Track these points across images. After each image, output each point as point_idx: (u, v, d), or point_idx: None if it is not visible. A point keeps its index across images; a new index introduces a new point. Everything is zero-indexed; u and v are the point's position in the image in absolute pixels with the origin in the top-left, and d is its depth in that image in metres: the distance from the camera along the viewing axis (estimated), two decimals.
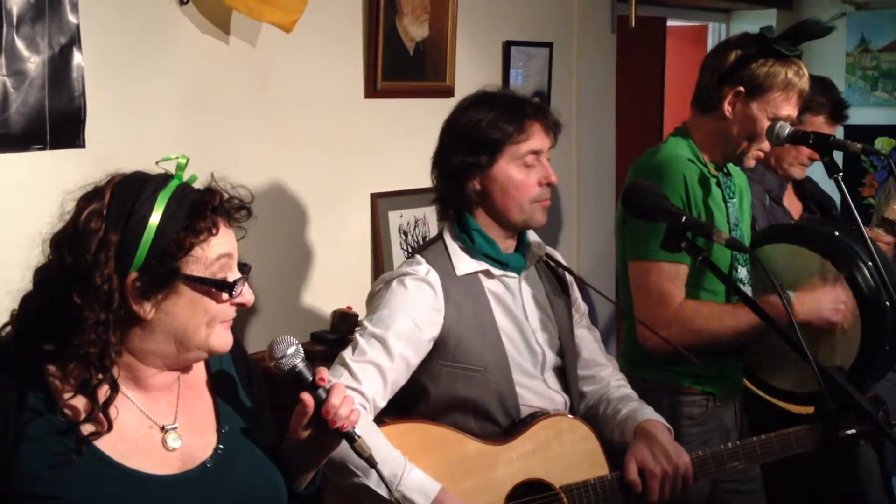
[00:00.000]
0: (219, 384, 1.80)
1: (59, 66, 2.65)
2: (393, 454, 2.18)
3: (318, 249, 3.45)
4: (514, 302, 2.44)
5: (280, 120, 3.30)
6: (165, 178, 1.64)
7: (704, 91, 2.79)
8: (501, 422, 2.37)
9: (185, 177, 1.67)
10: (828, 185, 3.16)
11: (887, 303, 2.69)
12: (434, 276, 2.34)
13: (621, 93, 4.88)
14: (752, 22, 5.51)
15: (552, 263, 2.58)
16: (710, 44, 5.86)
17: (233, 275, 1.66)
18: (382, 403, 2.27)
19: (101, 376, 1.58)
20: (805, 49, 2.77)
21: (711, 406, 2.79)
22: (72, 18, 2.67)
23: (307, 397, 1.69)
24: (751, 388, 3.00)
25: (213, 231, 1.62)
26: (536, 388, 2.42)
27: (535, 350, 2.44)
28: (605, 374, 2.60)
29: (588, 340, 2.61)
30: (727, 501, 2.80)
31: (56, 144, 2.67)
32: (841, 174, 2.57)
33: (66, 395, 1.58)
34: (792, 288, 2.74)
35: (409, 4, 3.61)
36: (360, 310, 2.58)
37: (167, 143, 2.92)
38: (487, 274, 2.41)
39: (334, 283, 3.49)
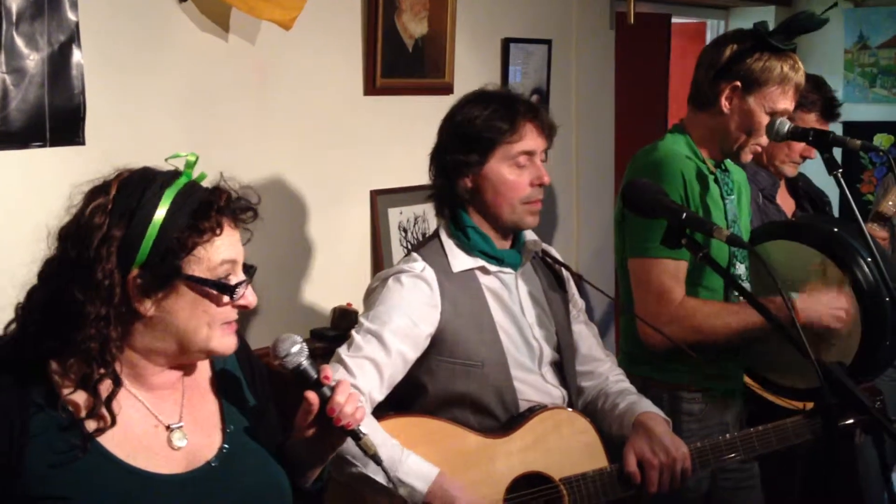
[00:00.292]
0: (223, 383, 1.80)
1: (59, 63, 2.66)
2: (390, 442, 2.19)
3: (317, 246, 3.46)
4: (510, 298, 2.45)
5: (279, 117, 3.30)
6: (173, 176, 1.64)
7: (701, 87, 2.79)
8: (500, 416, 2.38)
9: (195, 174, 1.67)
10: (826, 182, 3.16)
11: (887, 298, 2.69)
12: (430, 273, 2.35)
13: (626, 90, 4.88)
14: (750, 18, 5.51)
15: (549, 260, 2.59)
16: (709, 40, 5.86)
17: (236, 278, 1.65)
18: (379, 398, 2.27)
19: (101, 371, 1.58)
20: (803, 45, 2.78)
21: (711, 402, 2.79)
22: (71, 16, 2.67)
23: (312, 396, 1.69)
24: (751, 384, 3.01)
25: (217, 232, 1.61)
26: (534, 382, 2.43)
27: (533, 345, 2.45)
28: (603, 369, 2.61)
29: (586, 336, 2.61)
30: (726, 499, 2.81)
31: (56, 142, 2.68)
32: (840, 171, 2.57)
33: (68, 391, 1.58)
34: (792, 284, 2.74)
35: (408, 1, 3.62)
36: (360, 306, 2.58)
37: (167, 139, 2.93)
38: (483, 270, 2.42)
39: (334, 280, 3.50)
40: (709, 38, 5.89)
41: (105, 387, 1.59)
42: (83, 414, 1.57)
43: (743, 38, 2.75)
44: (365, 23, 3.53)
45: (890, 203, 3.43)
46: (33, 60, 2.60)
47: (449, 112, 2.45)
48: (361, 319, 2.33)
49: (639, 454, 2.35)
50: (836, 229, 2.82)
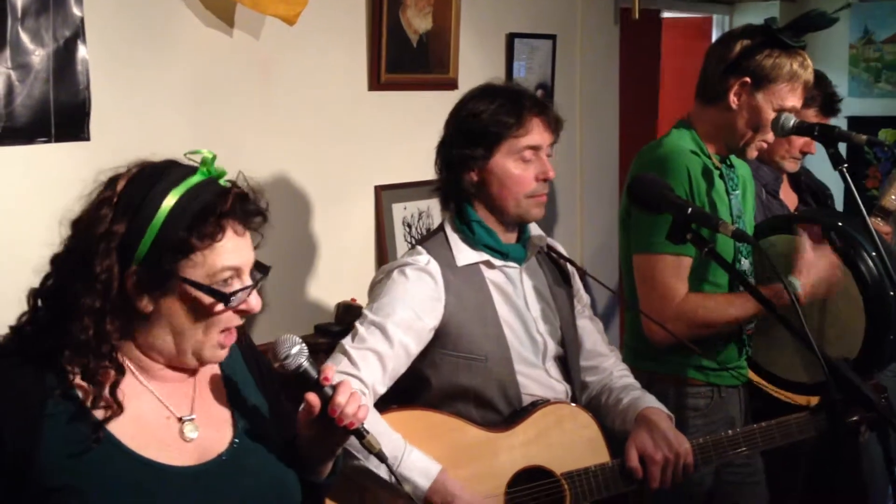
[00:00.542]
0: (232, 379, 1.81)
1: (64, 59, 2.66)
2: (393, 436, 2.20)
3: (322, 242, 3.46)
4: (515, 292, 2.45)
5: (284, 112, 3.30)
6: (185, 174, 1.62)
7: (709, 82, 2.79)
8: (503, 410, 2.38)
9: (218, 171, 1.66)
10: (830, 177, 3.16)
11: (891, 292, 2.69)
12: (434, 266, 2.35)
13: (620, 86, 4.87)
14: (755, 13, 5.50)
15: (554, 255, 2.59)
16: (714, 36, 5.85)
17: (240, 283, 1.64)
18: (382, 390, 2.28)
19: (97, 363, 1.58)
20: (808, 40, 2.77)
21: (717, 397, 2.80)
22: (76, 11, 2.67)
23: (313, 397, 1.69)
24: (755, 380, 3.01)
25: (218, 237, 1.60)
26: (538, 377, 2.43)
27: (537, 339, 2.46)
28: (607, 364, 2.61)
29: (590, 331, 2.62)
30: (730, 494, 2.81)
31: (61, 137, 2.68)
32: (846, 165, 2.57)
33: (77, 380, 1.59)
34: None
35: None
36: (365, 302, 2.59)
37: (171, 135, 2.93)
38: (488, 264, 2.43)
39: (338, 276, 3.50)
40: (715, 34, 5.87)
41: (107, 376, 1.59)
42: (91, 403, 1.58)
43: (753, 34, 2.75)
44: (369, 18, 3.53)
45: (893, 197, 3.43)
46: (38, 56, 2.61)
47: (455, 106, 2.46)
48: (365, 311, 2.33)
49: (641, 449, 2.36)
50: (840, 224, 2.82)
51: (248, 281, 1.65)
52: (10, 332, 1.65)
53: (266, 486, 1.72)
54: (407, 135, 3.66)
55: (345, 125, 3.50)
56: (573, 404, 2.47)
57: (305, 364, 1.71)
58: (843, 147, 2.70)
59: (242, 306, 1.65)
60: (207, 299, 1.61)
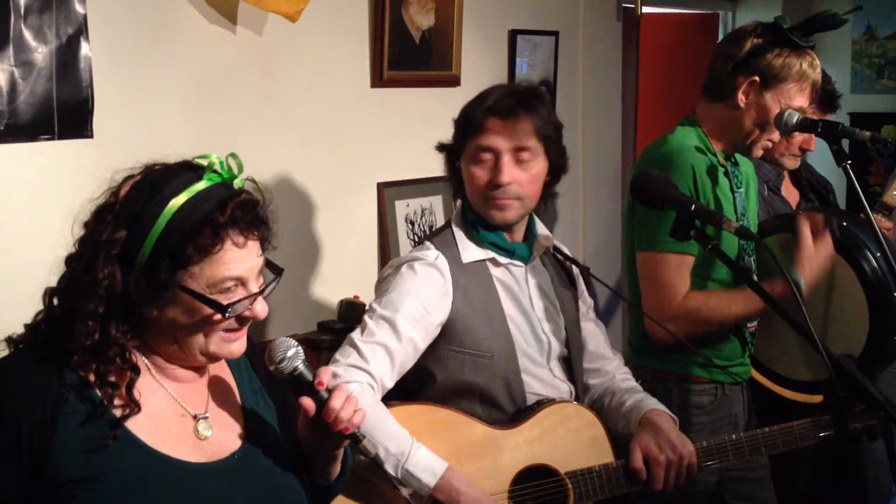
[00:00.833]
0: (242, 383, 1.82)
1: (67, 56, 2.66)
2: (400, 432, 2.20)
3: (324, 239, 3.46)
4: (520, 290, 2.45)
5: (286, 109, 3.30)
6: (189, 180, 1.62)
7: (717, 79, 2.78)
8: (507, 408, 2.38)
9: (236, 173, 1.65)
10: (834, 173, 3.16)
11: (895, 292, 2.69)
12: (443, 262, 2.36)
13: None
14: (759, 10, 5.49)
15: (559, 256, 2.59)
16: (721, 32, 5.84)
17: (244, 291, 1.63)
18: (390, 384, 2.28)
19: (107, 366, 1.59)
20: None
21: (720, 395, 2.80)
22: (79, 9, 2.67)
23: (308, 402, 1.69)
24: (759, 378, 3.00)
25: (213, 250, 1.59)
26: (542, 376, 2.43)
27: (542, 339, 2.45)
28: (610, 367, 2.61)
29: (594, 334, 2.62)
30: (734, 489, 2.81)
31: (64, 135, 2.68)
32: (849, 162, 2.57)
33: (92, 379, 1.60)
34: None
35: None
36: (368, 299, 2.59)
37: (174, 132, 2.93)
38: (494, 262, 2.42)
39: (341, 273, 3.50)
40: (721, 31, 5.86)
41: (122, 376, 1.60)
42: (106, 402, 1.59)
43: (763, 32, 2.74)
44: (372, 15, 3.53)
45: (894, 193, 3.43)
46: (41, 53, 2.60)
47: None
48: (374, 305, 2.33)
49: (645, 450, 2.35)
50: (844, 223, 2.81)
51: (253, 288, 1.65)
52: (25, 330, 1.66)
53: (275, 487, 1.73)
54: (409, 132, 3.66)
55: (347, 122, 3.50)
56: (578, 404, 2.46)
57: (301, 367, 1.71)
58: (845, 143, 2.70)
59: (246, 313, 1.65)
60: (206, 309, 1.61)
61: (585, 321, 2.60)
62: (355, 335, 2.29)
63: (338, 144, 3.48)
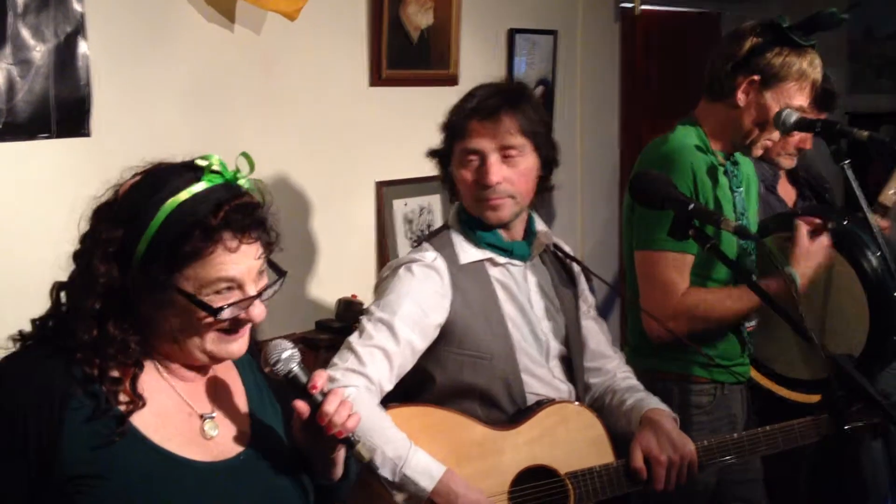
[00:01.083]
0: (248, 384, 1.81)
1: (65, 54, 2.65)
2: (398, 436, 2.19)
3: (323, 238, 3.46)
4: (518, 290, 2.44)
5: (285, 108, 3.30)
6: (188, 182, 1.61)
7: (717, 79, 2.77)
8: (507, 408, 2.37)
9: (242, 172, 1.65)
10: (834, 172, 3.16)
11: (895, 292, 2.69)
12: (441, 263, 2.35)
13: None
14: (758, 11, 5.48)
15: (560, 254, 2.58)
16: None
17: (240, 294, 1.62)
18: (389, 387, 2.28)
19: (108, 363, 1.60)
20: None
21: (720, 394, 2.80)
22: (77, 7, 2.67)
23: (301, 405, 1.68)
24: (758, 377, 3.00)
25: (205, 253, 1.58)
26: (542, 375, 2.43)
27: (541, 338, 2.45)
28: (611, 365, 2.60)
29: (595, 332, 2.61)
30: (731, 491, 2.81)
31: (62, 133, 2.67)
32: (848, 161, 2.57)
33: (97, 374, 1.60)
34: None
35: None
36: (366, 298, 2.59)
37: (172, 131, 2.93)
38: (492, 262, 2.42)
39: (339, 272, 3.49)
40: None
41: (125, 372, 1.61)
42: (111, 397, 1.59)
43: (763, 31, 2.74)
44: (370, 14, 3.52)
45: (891, 192, 3.43)
46: (39, 52, 2.60)
47: None
48: (372, 307, 2.33)
49: (646, 450, 2.34)
50: (844, 222, 2.82)
51: (250, 291, 1.63)
52: (32, 325, 1.66)
53: (278, 489, 1.73)
54: (408, 131, 3.66)
55: (345, 121, 3.50)
56: (578, 404, 2.46)
57: (296, 370, 1.70)
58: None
59: (242, 316, 1.64)
60: (199, 311, 1.61)
61: (586, 319, 2.60)
62: (353, 339, 2.28)
63: (336, 143, 3.47)
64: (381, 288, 2.37)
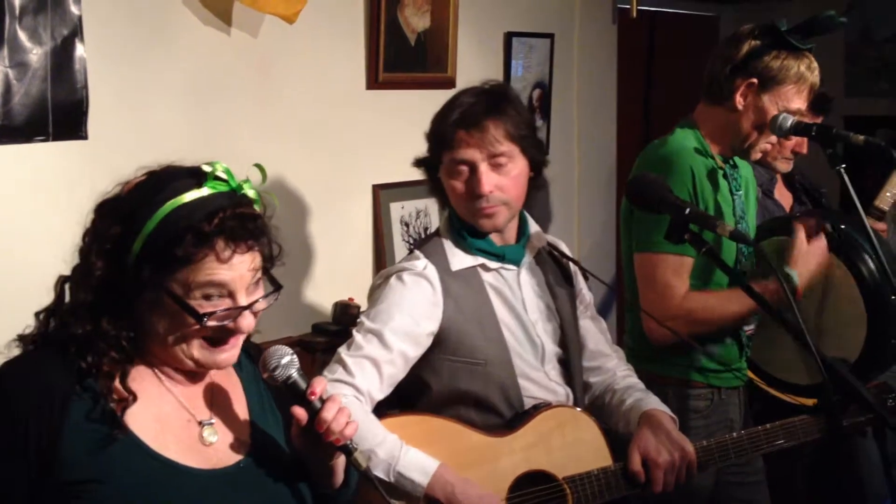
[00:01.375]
0: (249, 390, 1.81)
1: (62, 57, 2.65)
2: (389, 437, 2.19)
3: (319, 241, 3.45)
4: (512, 294, 2.43)
5: (282, 111, 3.29)
6: (188, 187, 1.61)
7: (715, 82, 2.78)
8: (504, 413, 2.37)
9: (251, 179, 1.66)
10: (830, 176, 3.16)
11: (892, 296, 2.69)
12: (432, 271, 2.34)
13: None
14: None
15: (556, 253, 2.57)
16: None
17: (230, 302, 1.62)
18: (379, 396, 2.27)
19: (101, 359, 1.60)
20: None
21: (717, 399, 2.80)
22: (74, 10, 2.67)
23: (300, 411, 1.67)
24: (755, 380, 3.00)
25: (196, 259, 1.58)
26: (538, 379, 2.42)
27: (536, 342, 2.44)
28: (610, 364, 2.60)
29: (593, 331, 2.60)
30: (731, 493, 2.81)
31: (59, 136, 2.67)
32: (844, 165, 2.57)
33: (92, 372, 1.60)
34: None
35: None
36: (362, 301, 2.58)
37: (169, 133, 2.93)
38: (484, 267, 2.41)
39: (336, 275, 3.49)
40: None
41: (117, 369, 1.61)
42: (104, 395, 1.59)
43: (761, 34, 2.74)
44: (367, 17, 3.52)
45: (888, 195, 3.44)
46: (36, 55, 2.60)
47: None
48: (363, 318, 2.32)
49: (644, 453, 2.33)
50: (843, 226, 2.82)
51: (241, 301, 1.63)
52: (36, 318, 1.67)
53: (279, 497, 1.73)
54: (405, 134, 3.64)
55: (342, 124, 3.50)
56: (575, 408, 2.45)
57: (295, 376, 1.69)
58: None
59: (230, 325, 1.63)
60: (186, 315, 1.60)
61: (584, 319, 2.59)
62: (343, 350, 2.28)
63: (333, 146, 3.47)
64: (372, 297, 2.36)
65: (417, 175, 3.32)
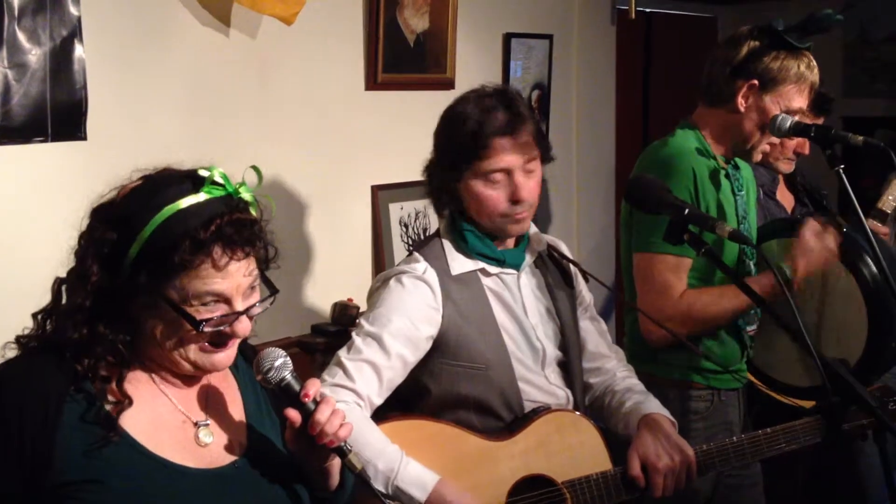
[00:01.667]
0: (245, 391, 1.81)
1: (61, 58, 2.65)
2: (389, 448, 2.18)
3: (318, 242, 3.45)
4: (512, 299, 2.42)
5: (280, 112, 3.29)
6: (185, 192, 1.61)
7: (714, 84, 2.77)
8: (505, 417, 2.35)
9: (248, 183, 1.65)
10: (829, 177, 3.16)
11: (894, 298, 2.69)
12: (432, 275, 2.32)
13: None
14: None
15: (556, 254, 2.57)
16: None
17: (227, 308, 1.62)
18: (378, 401, 2.26)
19: (97, 362, 1.60)
20: None
21: (716, 401, 2.79)
22: (73, 11, 2.67)
23: (293, 413, 1.67)
24: (755, 382, 3.00)
25: (192, 266, 1.58)
26: (539, 383, 2.40)
27: (536, 346, 2.42)
28: (610, 365, 2.58)
29: (593, 333, 2.59)
30: (729, 497, 2.80)
31: (58, 137, 2.67)
32: (842, 166, 2.57)
33: (88, 375, 1.60)
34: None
35: None
36: (361, 302, 2.58)
37: (168, 134, 2.92)
38: (484, 272, 2.39)
39: (335, 276, 3.49)
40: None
41: (113, 372, 1.61)
42: (100, 397, 1.59)
43: (759, 35, 2.74)
44: (366, 18, 3.52)
45: (890, 198, 3.43)
46: (35, 55, 2.60)
47: (439, 120, 2.41)
48: (362, 321, 2.30)
49: (643, 457, 2.32)
50: (844, 228, 2.81)
51: (237, 306, 1.63)
52: (34, 319, 1.67)
53: (274, 498, 1.72)
54: (404, 135, 3.66)
55: (341, 125, 3.50)
56: (574, 412, 2.44)
57: (288, 378, 1.69)
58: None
59: (226, 330, 1.63)
60: (183, 321, 1.60)
61: (584, 320, 2.57)
62: (342, 353, 2.27)
63: (332, 147, 3.47)
64: (371, 300, 2.35)
65: (416, 176, 3.32)
